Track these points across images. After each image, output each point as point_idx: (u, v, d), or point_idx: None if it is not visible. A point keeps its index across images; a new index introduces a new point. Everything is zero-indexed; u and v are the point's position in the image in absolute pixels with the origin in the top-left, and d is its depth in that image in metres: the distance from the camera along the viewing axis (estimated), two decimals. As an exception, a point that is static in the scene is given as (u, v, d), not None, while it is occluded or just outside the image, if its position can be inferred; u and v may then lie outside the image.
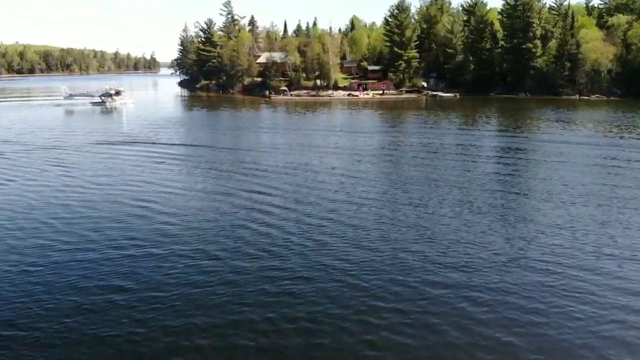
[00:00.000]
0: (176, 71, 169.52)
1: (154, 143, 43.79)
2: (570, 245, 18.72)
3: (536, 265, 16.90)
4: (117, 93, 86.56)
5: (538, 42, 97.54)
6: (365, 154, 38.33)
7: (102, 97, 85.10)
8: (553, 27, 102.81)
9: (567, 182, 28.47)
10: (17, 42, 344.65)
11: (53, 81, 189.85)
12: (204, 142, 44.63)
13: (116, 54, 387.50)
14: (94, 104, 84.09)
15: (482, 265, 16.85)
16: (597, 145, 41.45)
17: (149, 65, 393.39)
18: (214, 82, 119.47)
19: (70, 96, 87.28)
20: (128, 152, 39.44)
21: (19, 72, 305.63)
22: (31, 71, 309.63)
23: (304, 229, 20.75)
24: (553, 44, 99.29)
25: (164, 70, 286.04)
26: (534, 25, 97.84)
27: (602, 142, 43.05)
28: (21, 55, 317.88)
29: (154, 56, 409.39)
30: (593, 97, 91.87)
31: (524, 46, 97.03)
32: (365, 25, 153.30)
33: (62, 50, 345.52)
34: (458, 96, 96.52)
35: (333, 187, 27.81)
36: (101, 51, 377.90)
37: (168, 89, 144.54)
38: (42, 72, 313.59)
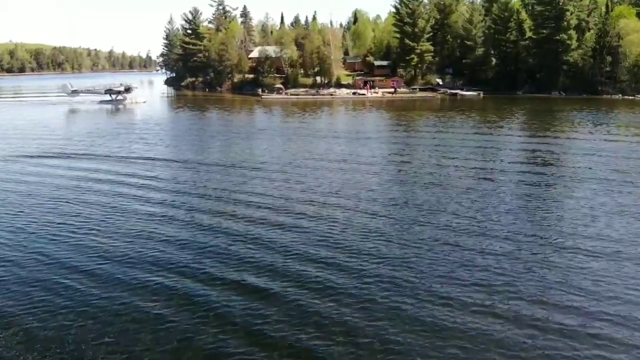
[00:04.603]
0: (161, 67, 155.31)
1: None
2: None
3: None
4: (127, 90, 73.90)
5: (573, 32, 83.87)
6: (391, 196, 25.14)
7: (111, 95, 73.50)
8: (588, 17, 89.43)
9: None
10: (10, 41, 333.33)
11: (44, 80, 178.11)
12: (170, 156, 32.11)
13: (110, 53, 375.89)
14: (102, 102, 72.05)
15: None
16: None
17: (145, 64, 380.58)
18: (200, 79, 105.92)
19: (75, 92, 76.03)
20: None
21: (9, 70, 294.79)
22: (21, 70, 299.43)
23: None
24: (590, 35, 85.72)
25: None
26: (569, 13, 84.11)
27: None
28: (11, 53, 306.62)
29: (149, 54, 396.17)
30: (639, 97, 78.55)
31: (557, 37, 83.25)
32: (369, 19, 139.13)
33: (54, 48, 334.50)
34: (482, 95, 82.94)
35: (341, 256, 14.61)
36: (95, 49, 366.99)
37: (156, 88, 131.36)
38: (33, 71, 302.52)
